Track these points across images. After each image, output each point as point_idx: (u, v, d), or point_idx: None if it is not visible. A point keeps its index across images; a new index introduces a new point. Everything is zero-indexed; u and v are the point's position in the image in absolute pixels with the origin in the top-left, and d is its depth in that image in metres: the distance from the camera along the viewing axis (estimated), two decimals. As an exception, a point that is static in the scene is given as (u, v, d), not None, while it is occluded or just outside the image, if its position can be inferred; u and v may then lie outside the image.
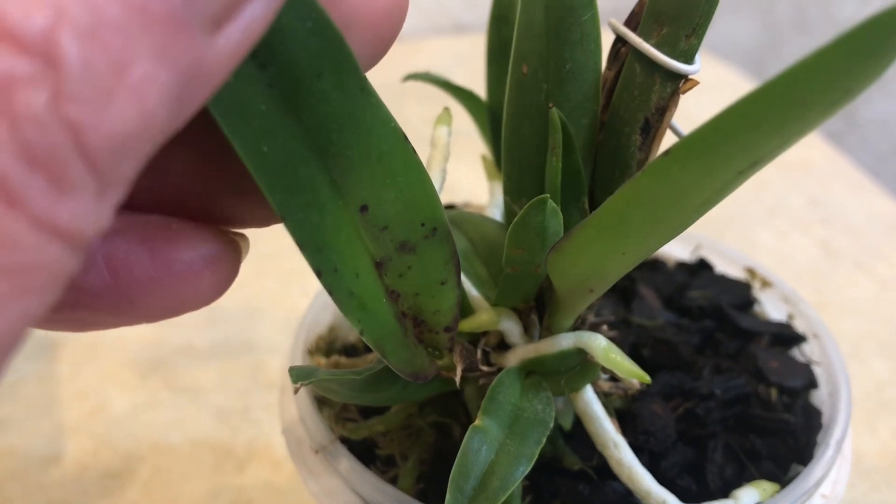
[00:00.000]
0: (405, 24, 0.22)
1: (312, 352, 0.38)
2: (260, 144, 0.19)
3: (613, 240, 0.24)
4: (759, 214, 0.77)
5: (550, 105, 0.29)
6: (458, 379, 0.28)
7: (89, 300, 0.19)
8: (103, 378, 0.57)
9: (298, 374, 0.25)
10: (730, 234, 0.74)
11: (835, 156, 0.88)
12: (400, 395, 0.29)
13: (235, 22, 0.16)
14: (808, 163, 0.86)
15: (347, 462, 0.32)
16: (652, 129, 0.28)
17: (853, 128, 1.35)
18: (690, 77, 0.27)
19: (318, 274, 0.22)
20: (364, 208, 0.23)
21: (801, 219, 0.77)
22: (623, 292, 0.43)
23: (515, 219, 0.26)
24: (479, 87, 0.39)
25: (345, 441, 0.34)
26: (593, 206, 0.30)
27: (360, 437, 0.33)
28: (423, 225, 0.24)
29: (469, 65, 0.59)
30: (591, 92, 0.29)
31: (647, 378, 0.28)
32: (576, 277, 0.27)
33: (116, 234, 0.20)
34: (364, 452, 0.34)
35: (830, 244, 0.74)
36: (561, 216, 0.26)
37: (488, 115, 0.38)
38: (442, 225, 0.25)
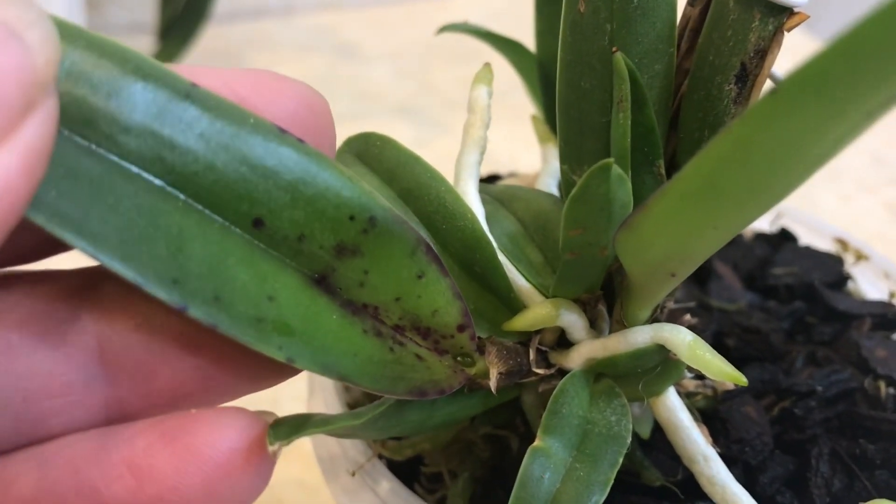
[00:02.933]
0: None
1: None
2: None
3: (702, 210, 0.19)
4: (819, 176, 0.71)
5: (615, 49, 0.23)
6: (493, 386, 0.23)
7: None
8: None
9: (279, 433, 0.20)
10: (789, 198, 0.68)
11: (898, 107, 0.81)
12: (429, 420, 0.24)
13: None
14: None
15: (388, 483, 0.27)
16: (749, 77, 0.23)
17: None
18: (796, 10, 0.22)
19: (184, 310, 0.18)
20: (258, 223, 0.19)
21: (866, 179, 0.71)
22: (697, 271, 0.38)
23: (572, 192, 0.21)
24: (526, 41, 0.34)
25: (385, 458, 0.29)
26: (672, 173, 0.25)
27: (403, 458, 0.29)
28: (352, 219, 0.20)
29: (505, 21, 0.54)
30: (666, 32, 0.24)
31: (743, 380, 0.23)
32: (653, 259, 0.22)
33: (134, 435, 0.19)
34: (407, 469, 0.29)
35: (899, 206, 0.68)
36: (630, 184, 0.21)
37: (538, 69, 0.32)
38: (380, 210, 0.21)
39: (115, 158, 0.18)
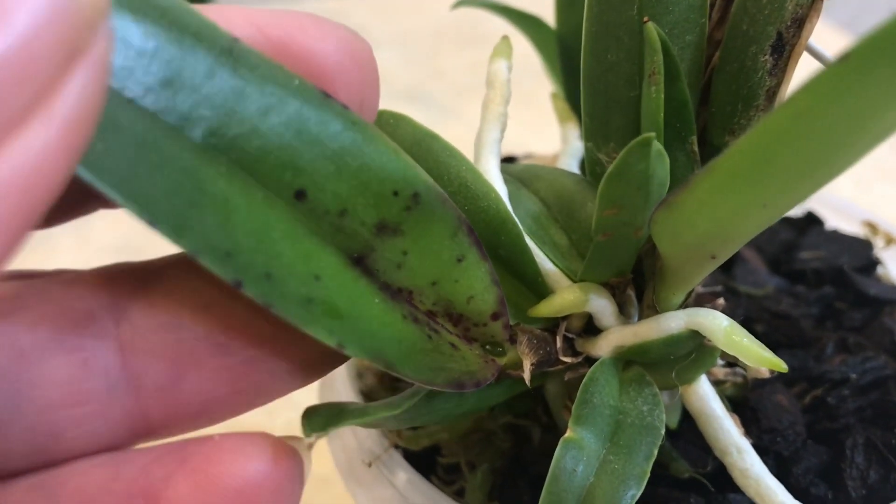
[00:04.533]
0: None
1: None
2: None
3: (753, 187, 0.18)
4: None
5: (646, 19, 0.22)
6: (527, 377, 0.22)
7: None
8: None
9: (313, 423, 0.18)
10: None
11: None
12: (458, 408, 0.23)
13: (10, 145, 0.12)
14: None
15: (405, 474, 0.26)
16: (786, 48, 0.21)
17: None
18: (840, -31, 0.20)
19: (239, 285, 0.16)
20: (300, 194, 0.18)
21: (885, 165, 0.70)
22: (721, 256, 0.36)
23: (609, 169, 0.19)
24: (545, 17, 0.33)
25: (401, 448, 0.28)
26: (703, 149, 0.24)
27: (420, 448, 0.28)
28: (395, 194, 0.19)
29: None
30: (698, 1, 0.22)
31: (783, 366, 0.22)
32: (693, 241, 0.20)
33: (151, 463, 0.18)
34: (424, 459, 0.28)
35: (919, 193, 0.66)
36: (668, 161, 0.20)
37: (558, 45, 0.31)
38: (425, 187, 0.19)
39: (157, 113, 0.16)
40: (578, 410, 0.22)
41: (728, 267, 0.35)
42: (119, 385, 0.18)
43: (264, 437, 0.18)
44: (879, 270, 0.37)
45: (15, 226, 0.13)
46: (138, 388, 0.18)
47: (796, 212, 0.40)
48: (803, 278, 0.35)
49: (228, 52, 0.17)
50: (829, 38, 0.89)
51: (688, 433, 0.27)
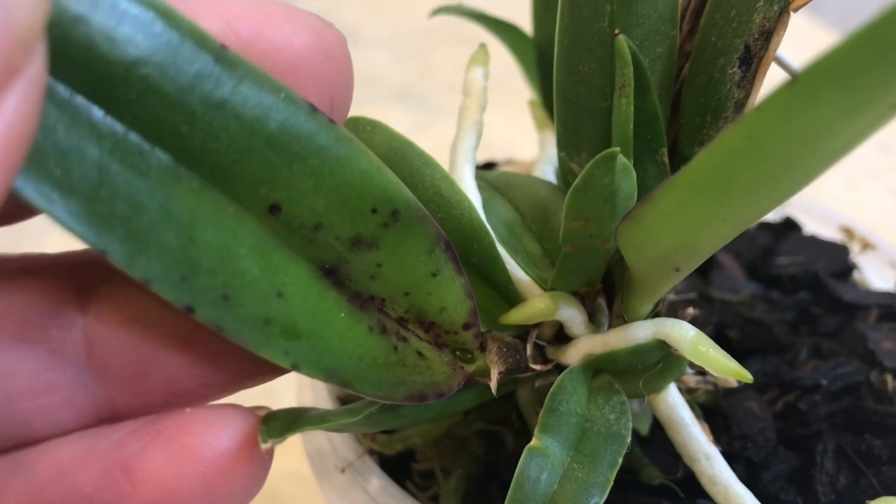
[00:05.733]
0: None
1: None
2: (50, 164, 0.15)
3: (712, 203, 0.18)
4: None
5: (616, 31, 0.22)
6: (494, 386, 0.22)
7: None
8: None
9: (272, 429, 0.18)
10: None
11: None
12: (425, 413, 0.23)
13: None
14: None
15: (378, 480, 0.26)
16: (754, 60, 0.22)
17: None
18: (804, -14, 0.21)
19: (190, 311, 0.16)
20: (275, 209, 0.18)
21: (872, 165, 0.70)
22: (698, 261, 0.37)
23: (575, 182, 0.20)
24: (523, 24, 0.33)
25: (376, 452, 0.28)
26: (674, 160, 0.24)
27: (393, 452, 0.28)
28: (374, 211, 0.19)
29: (510, 3, 0.53)
30: (668, 13, 0.23)
31: (748, 377, 0.22)
32: (657, 253, 0.21)
33: (126, 437, 0.18)
34: (399, 465, 0.28)
35: (906, 193, 0.67)
36: (634, 175, 0.20)
37: (535, 53, 0.31)
38: (405, 204, 0.19)
39: (123, 129, 0.16)
40: (545, 418, 0.22)
41: (705, 273, 0.36)
42: (85, 376, 0.19)
43: (236, 408, 0.19)
44: (855, 275, 0.37)
45: None
46: (104, 378, 0.19)
47: (775, 217, 0.40)
48: (779, 284, 0.36)
49: (216, 59, 0.16)
50: (819, 35, 0.89)
51: (659, 440, 0.27)
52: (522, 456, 0.21)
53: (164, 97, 0.16)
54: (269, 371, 0.20)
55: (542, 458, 0.21)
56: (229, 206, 0.17)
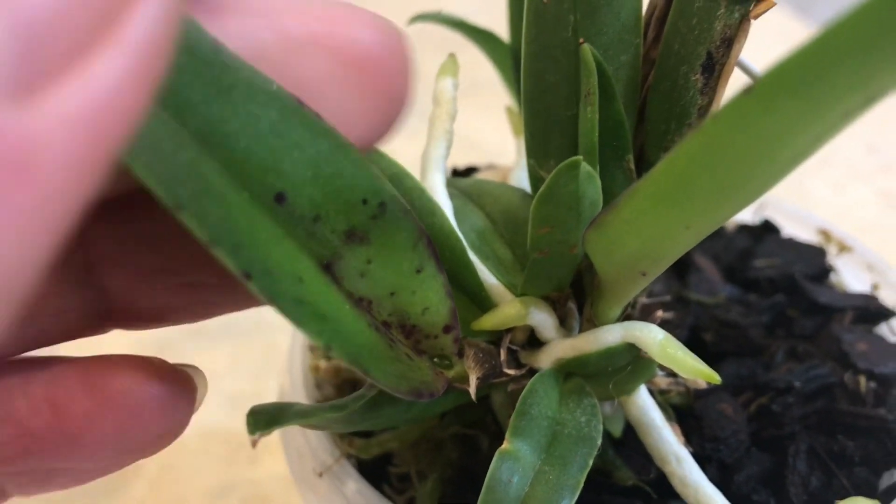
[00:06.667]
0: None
1: (315, 348, 0.33)
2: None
3: (674, 210, 0.18)
4: (811, 164, 0.70)
5: (581, 41, 0.23)
6: (473, 391, 0.23)
7: (35, 444, 0.19)
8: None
9: (258, 422, 0.19)
10: (780, 187, 0.67)
11: (891, 96, 0.80)
12: (405, 414, 0.24)
13: (69, 82, 0.11)
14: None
15: (355, 484, 0.27)
16: (716, 67, 0.22)
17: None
18: (764, -4, 0.21)
19: (247, 277, 0.17)
20: (280, 198, 0.18)
21: (859, 167, 0.70)
22: (677, 263, 0.37)
23: (540, 190, 0.20)
24: (502, 31, 0.33)
25: (353, 456, 0.28)
26: (641, 166, 0.24)
27: (370, 456, 0.28)
28: (364, 203, 0.19)
29: (490, 10, 0.54)
30: (632, 21, 0.23)
31: (716, 378, 0.23)
32: (623, 259, 0.21)
33: (58, 374, 0.19)
34: (375, 469, 0.29)
35: (892, 194, 0.67)
36: (599, 182, 0.21)
37: (513, 60, 0.32)
38: (391, 198, 0.20)
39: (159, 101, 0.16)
40: (516, 422, 0.22)
41: (682, 275, 0.36)
42: (82, 281, 0.20)
43: (158, 362, 0.20)
44: (832, 278, 0.38)
45: (88, 170, 0.11)
46: (100, 288, 0.21)
47: (754, 219, 0.41)
48: (757, 287, 0.36)
49: (214, 54, 0.17)
50: (786, 24, 0.90)
51: (632, 441, 0.27)
52: (494, 459, 0.21)
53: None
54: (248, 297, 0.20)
55: (514, 461, 0.21)
56: (244, 192, 0.18)
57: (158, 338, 0.55)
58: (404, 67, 0.19)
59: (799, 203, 0.66)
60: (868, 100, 0.15)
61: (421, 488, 0.27)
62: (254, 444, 0.19)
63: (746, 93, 0.15)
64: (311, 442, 0.28)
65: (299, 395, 0.30)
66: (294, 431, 0.30)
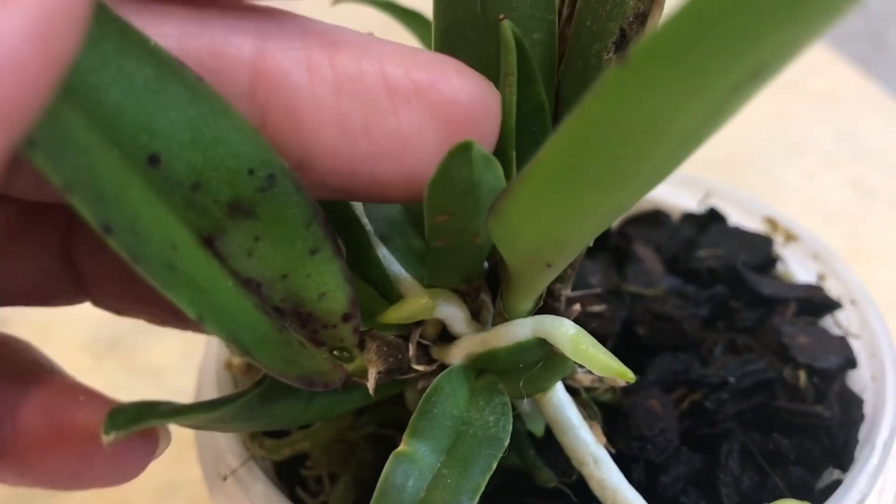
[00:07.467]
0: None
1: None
2: None
3: (567, 195, 0.17)
4: (782, 152, 0.69)
5: (502, 16, 0.21)
6: (371, 387, 0.21)
7: None
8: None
9: (116, 421, 0.17)
10: (750, 175, 0.66)
11: (863, 83, 0.79)
12: (303, 412, 0.22)
13: None
14: (833, 92, 0.77)
15: (262, 487, 0.25)
16: (629, 45, 0.21)
17: (882, 52, 1.24)
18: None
19: (107, 231, 0.15)
20: (154, 159, 0.17)
21: (830, 156, 0.69)
22: (616, 253, 0.36)
23: (433, 175, 0.19)
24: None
25: (266, 458, 0.27)
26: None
27: (281, 458, 0.27)
28: (251, 173, 0.18)
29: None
30: (543, -3, 0.22)
31: (630, 376, 0.21)
32: (526, 248, 0.20)
33: (25, 399, 0.20)
34: (288, 471, 0.27)
35: (864, 183, 0.66)
36: (499, 167, 0.19)
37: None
38: (281, 170, 0.18)
39: None
40: (416, 422, 0.21)
41: (620, 266, 0.35)
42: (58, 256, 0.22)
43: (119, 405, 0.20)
44: (779, 268, 0.36)
45: None
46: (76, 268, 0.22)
47: (699, 208, 0.39)
48: (697, 278, 0.35)
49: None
50: None
51: (555, 442, 0.26)
52: (388, 461, 0.20)
53: None
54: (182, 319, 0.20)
55: (410, 463, 0.20)
56: (114, 150, 0.17)
57: (110, 332, 0.54)
58: (495, 127, 0.20)
59: (768, 191, 0.65)
60: (755, 72, 0.14)
61: (332, 492, 0.26)
62: (108, 446, 0.18)
63: (623, 64, 0.13)
64: (220, 444, 0.27)
65: (210, 392, 0.29)
66: (207, 432, 0.28)
